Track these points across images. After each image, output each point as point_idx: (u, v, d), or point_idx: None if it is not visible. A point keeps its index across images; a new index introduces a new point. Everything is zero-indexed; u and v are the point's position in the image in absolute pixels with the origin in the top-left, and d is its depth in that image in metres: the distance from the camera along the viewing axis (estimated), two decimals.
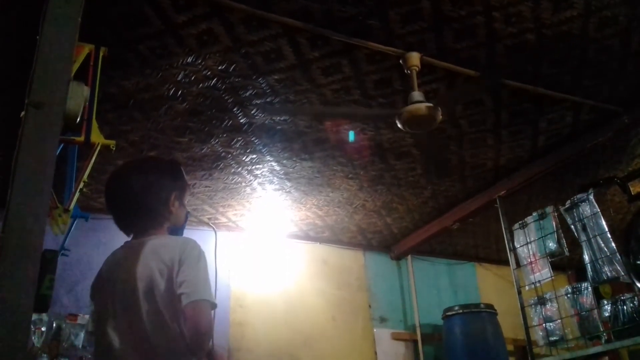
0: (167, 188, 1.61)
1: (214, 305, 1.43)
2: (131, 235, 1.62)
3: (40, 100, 1.29)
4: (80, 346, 3.47)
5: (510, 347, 4.62)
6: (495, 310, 4.34)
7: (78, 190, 2.19)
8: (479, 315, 4.28)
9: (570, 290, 3.41)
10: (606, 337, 3.21)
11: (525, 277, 3.59)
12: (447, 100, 2.96)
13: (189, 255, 1.47)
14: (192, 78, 2.71)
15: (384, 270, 5.12)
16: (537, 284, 3.49)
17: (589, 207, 3.24)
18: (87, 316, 3.50)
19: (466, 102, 3.09)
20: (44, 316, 3.30)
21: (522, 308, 3.60)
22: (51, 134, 1.29)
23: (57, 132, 1.31)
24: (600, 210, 3.20)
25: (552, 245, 3.40)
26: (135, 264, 1.46)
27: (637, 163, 3.82)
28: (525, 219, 3.65)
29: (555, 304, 3.42)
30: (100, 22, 2.31)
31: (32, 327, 3.20)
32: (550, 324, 3.41)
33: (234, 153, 3.42)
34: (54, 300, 3.23)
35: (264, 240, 4.62)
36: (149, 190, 1.58)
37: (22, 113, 1.28)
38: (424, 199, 4.27)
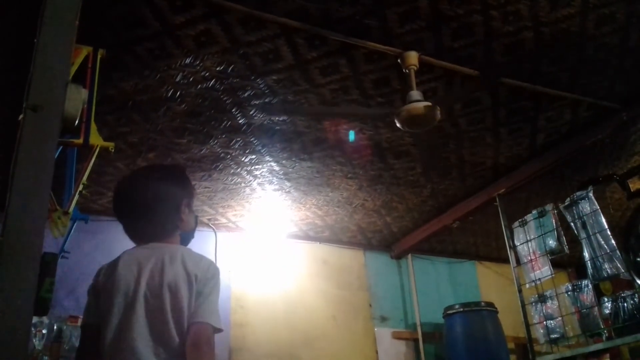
0: (178, 196, 1.63)
1: (217, 330, 1.47)
2: (140, 243, 1.62)
3: (38, 103, 1.28)
4: None
5: (511, 345, 4.63)
6: (496, 308, 4.35)
7: (77, 192, 2.19)
8: (480, 313, 4.28)
9: (570, 287, 3.41)
10: (607, 335, 3.21)
11: (526, 275, 3.59)
12: (446, 100, 2.97)
13: (210, 280, 1.53)
14: (191, 79, 2.71)
15: (385, 270, 5.11)
16: (538, 282, 3.49)
17: (588, 205, 3.23)
18: None
19: (464, 100, 3.09)
20: (45, 319, 3.29)
21: (523, 306, 3.60)
22: (50, 136, 1.29)
23: (55, 135, 1.31)
24: (600, 208, 3.19)
25: (552, 242, 3.40)
26: (163, 267, 1.49)
27: (636, 160, 3.82)
28: (525, 217, 3.65)
29: (555, 302, 3.42)
30: (98, 24, 2.31)
31: (32, 330, 3.20)
32: (551, 321, 3.41)
33: (233, 154, 3.42)
34: (55, 302, 3.23)
35: (264, 241, 4.62)
36: (162, 200, 1.60)
37: (21, 116, 1.28)
38: (424, 197, 4.27)
